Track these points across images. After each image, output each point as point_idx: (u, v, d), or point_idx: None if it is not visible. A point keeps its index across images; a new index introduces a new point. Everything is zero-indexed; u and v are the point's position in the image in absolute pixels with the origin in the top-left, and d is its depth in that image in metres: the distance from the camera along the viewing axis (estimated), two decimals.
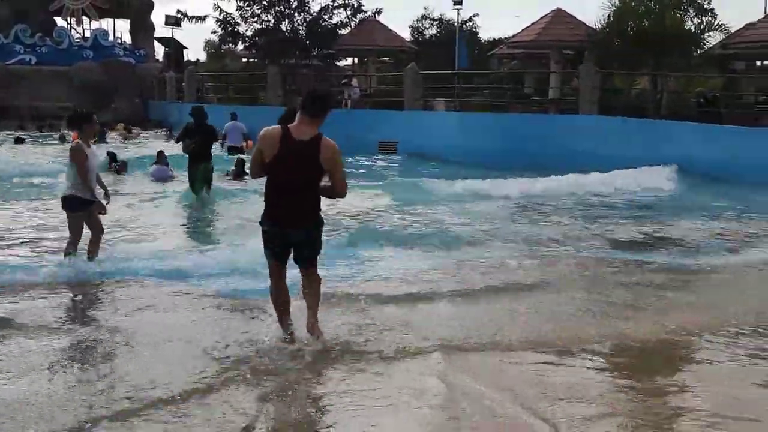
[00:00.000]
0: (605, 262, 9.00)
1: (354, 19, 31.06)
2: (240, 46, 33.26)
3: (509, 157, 19.77)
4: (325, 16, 30.50)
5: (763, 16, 27.02)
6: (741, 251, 9.84)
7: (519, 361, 5.59)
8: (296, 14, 30.31)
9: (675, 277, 8.35)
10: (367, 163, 20.61)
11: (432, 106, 25.17)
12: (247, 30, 30.89)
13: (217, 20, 30.71)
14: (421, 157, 21.04)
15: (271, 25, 30.52)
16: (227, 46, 34.19)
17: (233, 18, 30.61)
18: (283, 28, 30.56)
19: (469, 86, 27.40)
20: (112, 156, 18.68)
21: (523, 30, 28.08)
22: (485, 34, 42.54)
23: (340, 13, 30.71)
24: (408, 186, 15.44)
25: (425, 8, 39.83)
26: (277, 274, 5.71)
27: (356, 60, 35.23)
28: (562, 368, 5.50)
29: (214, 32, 32.72)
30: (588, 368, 5.50)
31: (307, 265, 5.72)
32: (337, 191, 5.59)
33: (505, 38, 35.05)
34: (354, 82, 27.99)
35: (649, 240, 10.65)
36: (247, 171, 9.02)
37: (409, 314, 6.65)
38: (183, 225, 11.66)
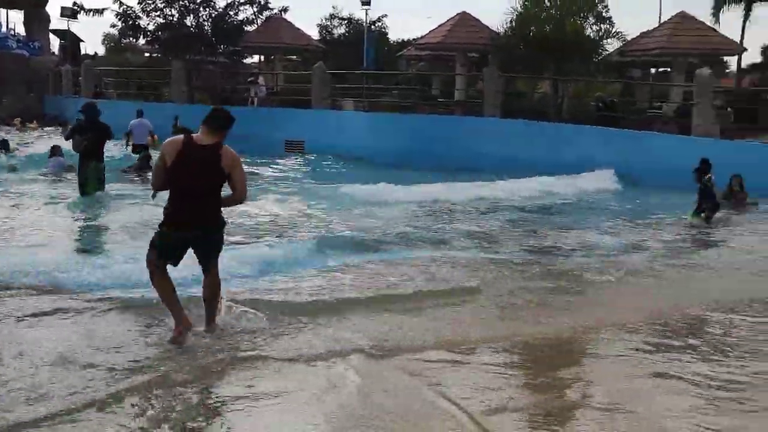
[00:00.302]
0: (515, 264, 9.11)
1: (260, 16, 30.66)
2: (141, 41, 32.24)
3: (416, 157, 19.98)
4: (231, 13, 29.98)
5: (657, 25, 28.26)
6: (634, 252, 10.19)
7: (428, 359, 5.64)
8: (201, 9, 29.66)
9: (576, 277, 8.57)
10: (275, 162, 20.29)
11: (340, 106, 25.13)
12: (148, 24, 30.04)
13: (117, 13, 29.73)
14: (329, 157, 20.90)
15: (174, 19, 29.75)
16: (128, 40, 33.09)
17: (134, 11, 29.69)
18: (188, 23, 29.85)
19: (378, 86, 27.50)
20: (3, 143, 17.77)
21: (429, 32, 28.39)
22: (398, 35, 42.80)
23: (246, 9, 30.27)
24: (318, 189, 15.22)
25: (333, 7, 39.65)
26: (163, 269, 5.72)
27: (263, 57, 34.78)
28: (468, 365, 5.59)
29: (113, 26, 31.58)
30: (495, 364, 5.62)
31: (210, 265, 5.86)
32: (237, 196, 5.76)
33: (414, 39, 35.36)
34: (260, 80, 27.63)
35: (553, 242, 10.84)
36: (152, 165, 8.67)
37: (318, 318, 6.55)
38: (73, 229, 10.94)
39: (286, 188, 15.32)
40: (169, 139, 5.75)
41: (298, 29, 31.90)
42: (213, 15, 29.79)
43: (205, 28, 29.76)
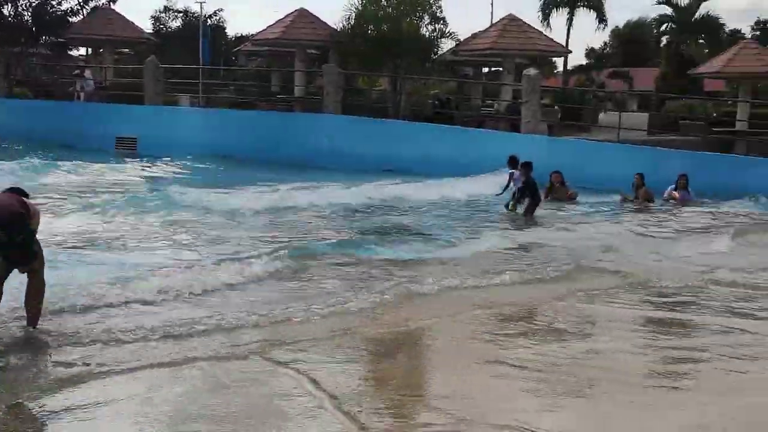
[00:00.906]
0: (356, 265, 9.04)
1: (86, 6, 28.98)
2: None
3: (255, 154, 19.66)
4: (54, 2, 28.14)
5: (489, 26, 29.46)
6: (467, 247, 10.40)
7: (277, 359, 5.58)
8: None
9: (416, 274, 8.63)
10: (105, 162, 18.76)
11: (175, 101, 24.28)
12: None
13: None
14: (163, 155, 19.90)
15: None
16: None
17: None
18: (6, 13, 27.73)
19: (215, 82, 26.84)
20: None
21: (267, 28, 27.99)
22: (240, 29, 41.91)
23: None
24: (150, 195, 13.97)
25: None
26: None
27: (91, 50, 32.97)
28: (314, 361, 5.55)
29: None
30: (339, 361, 5.63)
31: (30, 272, 5.94)
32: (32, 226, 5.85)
33: (251, 35, 34.80)
34: (87, 73, 26.14)
35: (396, 241, 10.74)
36: None
37: (157, 327, 6.20)
38: None
39: (117, 195, 13.98)
40: None
41: (130, 21, 30.47)
42: (33, 4, 27.86)
43: (25, 17, 27.78)
